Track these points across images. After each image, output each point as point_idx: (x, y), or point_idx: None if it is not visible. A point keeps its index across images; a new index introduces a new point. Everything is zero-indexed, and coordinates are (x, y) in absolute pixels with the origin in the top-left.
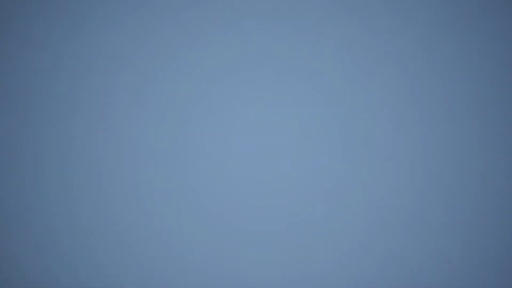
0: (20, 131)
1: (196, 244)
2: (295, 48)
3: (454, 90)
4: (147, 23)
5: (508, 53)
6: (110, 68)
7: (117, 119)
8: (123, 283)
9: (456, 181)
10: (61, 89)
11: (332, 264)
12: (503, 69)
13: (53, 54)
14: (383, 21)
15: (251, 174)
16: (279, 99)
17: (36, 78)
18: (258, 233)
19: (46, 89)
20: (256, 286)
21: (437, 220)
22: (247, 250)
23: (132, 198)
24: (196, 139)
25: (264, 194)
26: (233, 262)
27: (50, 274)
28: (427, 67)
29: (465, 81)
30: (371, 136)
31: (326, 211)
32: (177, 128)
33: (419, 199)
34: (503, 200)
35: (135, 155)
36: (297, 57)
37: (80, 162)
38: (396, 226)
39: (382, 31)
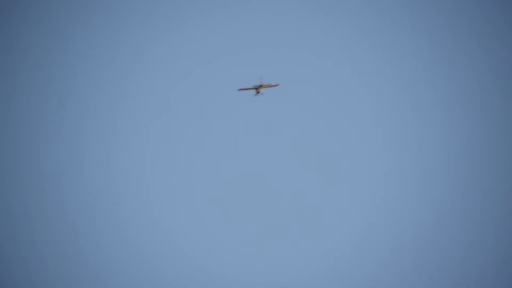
0: (19, 132)
1: (197, 245)
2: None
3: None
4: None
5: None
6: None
7: (118, 120)
8: (123, 284)
9: (457, 181)
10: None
11: (332, 264)
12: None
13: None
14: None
15: (251, 176)
16: (279, 103)
17: (36, 80)
18: (258, 235)
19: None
20: (257, 286)
21: (438, 220)
22: (247, 250)
23: (132, 198)
24: (196, 140)
25: (264, 195)
26: (233, 262)
27: (49, 274)
28: (426, 68)
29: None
30: (371, 136)
31: (325, 213)
32: (177, 129)
33: (418, 200)
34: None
35: (136, 156)
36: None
37: (80, 163)
38: (396, 226)
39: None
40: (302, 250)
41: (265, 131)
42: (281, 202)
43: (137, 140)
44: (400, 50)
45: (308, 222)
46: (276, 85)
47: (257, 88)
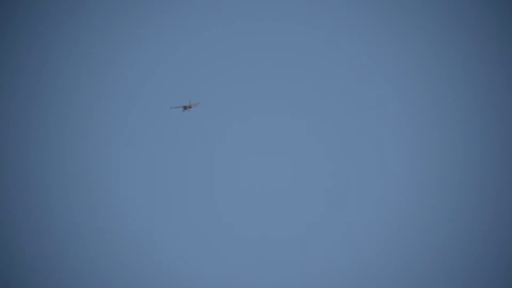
0: (20, 132)
1: (197, 246)
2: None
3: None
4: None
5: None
6: (110, 71)
7: (117, 121)
8: (124, 284)
9: (458, 182)
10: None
11: (331, 264)
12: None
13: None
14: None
15: (251, 178)
16: (280, 105)
17: (36, 79)
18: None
19: (47, 90)
20: (256, 286)
21: (438, 221)
22: (247, 252)
23: (132, 199)
24: (195, 140)
25: (264, 197)
26: (233, 264)
27: (50, 275)
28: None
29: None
30: (371, 138)
31: (326, 215)
32: (177, 131)
33: (418, 201)
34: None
35: (135, 157)
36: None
37: (79, 164)
38: (396, 227)
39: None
40: (303, 255)
41: (263, 133)
42: (281, 202)
43: (136, 141)
44: (400, 50)
45: (309, 223)
46: (197, 105)
47: (186, 107)
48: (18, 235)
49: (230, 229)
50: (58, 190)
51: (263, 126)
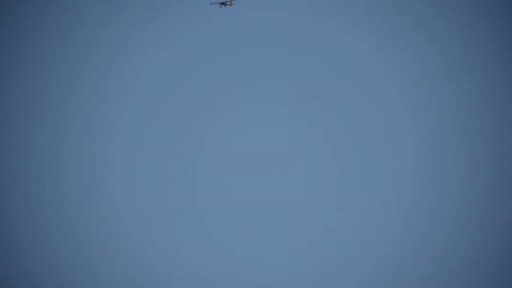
0: (20, 132)
1: (196, 246)
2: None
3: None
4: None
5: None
6: (110, 71)
7: (117, 122)
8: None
9: (459, 182)
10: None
11: (331, 265)
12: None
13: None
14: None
15: (251, 177)
16: (279, 104)
17: (36, 79)
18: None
19: (47, 90)
20: (257, 286)
21: (438, 221)
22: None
23: (132, 199)
24: (196, 141)
25: (265, 198)
26: (233, 264)
27: (50, 275)
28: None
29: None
30: (373, 138)
31: (327, 215)
32: (177, 130)
33: (419, 202)
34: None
35: (135, 157)
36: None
37: (79, 164)
38: (396, 227)
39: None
40: (302, 254)
41: (263, 128)
42: (280, 203)
43: (136, 141)
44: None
45: (308, 224)
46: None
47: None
48: (17, 235)
49: (232, 229)
50: (58, 190)
51: (265, 126)
